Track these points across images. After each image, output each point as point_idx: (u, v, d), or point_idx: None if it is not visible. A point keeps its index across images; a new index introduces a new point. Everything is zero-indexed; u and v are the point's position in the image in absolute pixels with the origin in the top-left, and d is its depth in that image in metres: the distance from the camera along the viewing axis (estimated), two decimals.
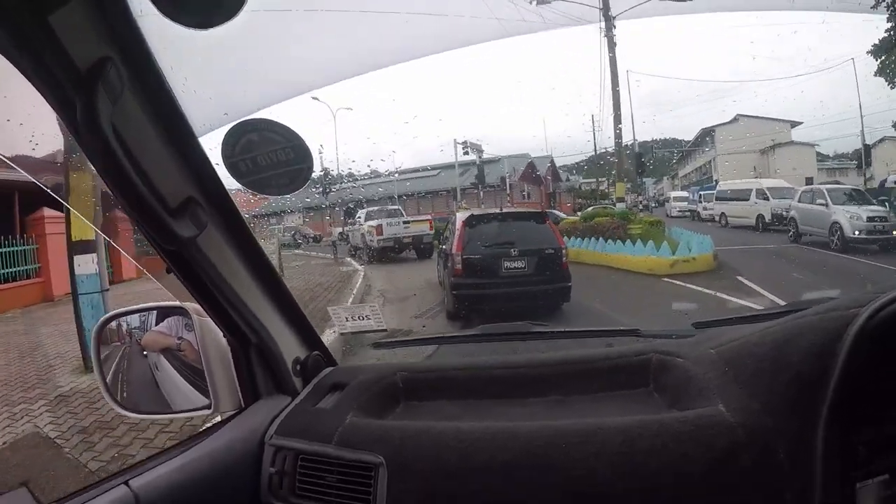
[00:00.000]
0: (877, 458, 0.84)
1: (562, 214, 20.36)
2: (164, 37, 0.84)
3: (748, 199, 17.46)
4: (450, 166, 21.30)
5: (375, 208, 15.88)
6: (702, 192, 21.68)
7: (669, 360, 1.25)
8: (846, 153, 23.83)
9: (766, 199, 16.76)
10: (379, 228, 14.09)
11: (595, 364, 1.35)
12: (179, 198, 1.00)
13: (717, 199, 19.27)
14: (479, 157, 19.74)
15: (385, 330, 1.93)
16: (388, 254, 14.01)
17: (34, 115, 0.90)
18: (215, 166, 1.06)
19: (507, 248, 7.90)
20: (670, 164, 29.52)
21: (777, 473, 0.89)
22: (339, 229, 18.17)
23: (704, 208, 20.65)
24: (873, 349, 0.83)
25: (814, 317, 0.96)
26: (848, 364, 0.82)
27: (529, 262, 7.82)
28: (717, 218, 18.90)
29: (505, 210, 10.31)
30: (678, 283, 9.77)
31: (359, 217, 15.38)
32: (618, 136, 17.72)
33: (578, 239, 14.21)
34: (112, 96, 0.81)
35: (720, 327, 1.47)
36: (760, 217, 16.87)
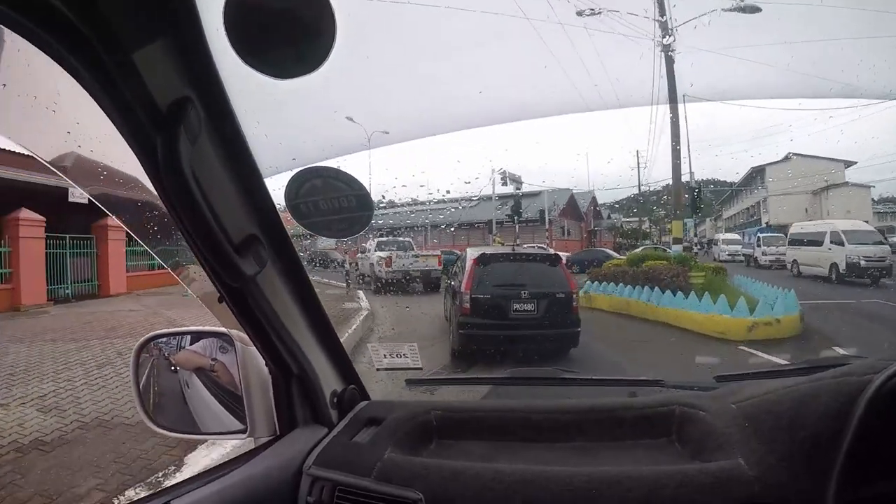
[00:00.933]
0: None
1: (614, 254, 19.77)
2: (241, 80, 0.91)
3: (821, 244, 16.02)
4: (487, 198, 21.31)
5: (386, 239, 16.00)
6: (761, 235, 20.69)
7: (692, 413, 1.35)
8: None
9: (841, 244, 15.34)
10: (388, 260, 14.39)
11: (620, 413, 1.45)
12: (242, 235, 1.10)
13: (790, 243, 17.93)
14: (518, 189, 19.87)
15: (420, 368, 2.02)
16: (394, 286, 14.26)
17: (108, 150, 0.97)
18: (278, 207, 1.16)
19: (518, 289, 7.98)
20: (711, 205, 29.07)
21: None
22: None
23: (764, 253, 19.60)
24: (885, 414, 0.93)
25: (831, 380, 1.08)
26: (861, 427, 0.93)
27: (539, 306, 7.92)
28: (788, 266, 17.61)
29: (518, 250, 10.32)
30: (760, 353, 8.26)
31: (369, 246, 15.53)
32: (675, 163, 16.07)
33: (628, 287, 12.78)
34: (191, 137, 0.89)
35: (741, 381, 1.58)
36: (834, 266, 15.33)
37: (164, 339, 1.64)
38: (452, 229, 23.43)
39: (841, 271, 15.01)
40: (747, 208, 26.96)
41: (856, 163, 21.99)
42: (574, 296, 8.21)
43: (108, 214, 1.15)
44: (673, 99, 14.54)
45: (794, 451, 1.04)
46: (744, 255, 21.52)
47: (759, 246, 20.37)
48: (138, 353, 1.59)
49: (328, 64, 0.81)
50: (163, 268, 1.24)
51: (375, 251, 15.03)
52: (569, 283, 8.43)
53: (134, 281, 17.84)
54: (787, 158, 22.89)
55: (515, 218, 20.08)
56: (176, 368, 1.64)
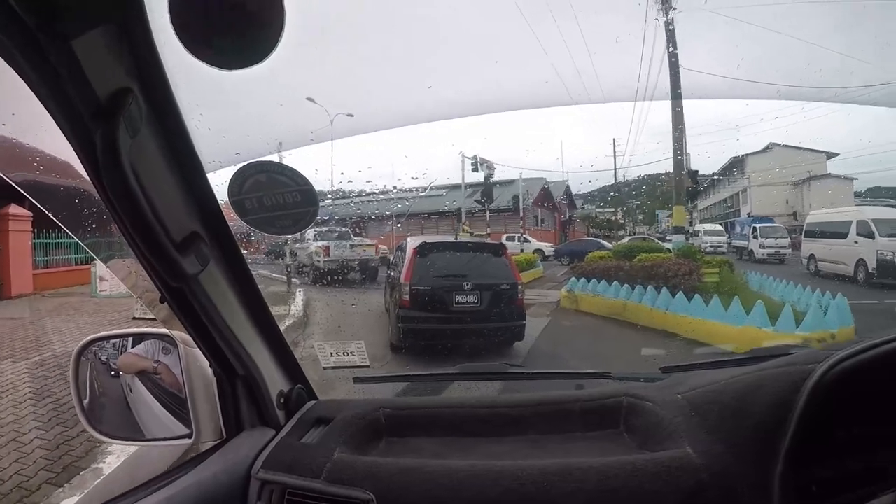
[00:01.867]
0: (827, 495, 1.03)
1: (608, 245, 19.07)
2: (185, 71, 0.91)
3: (846, 236, 13.77)
4: (457, 186, 21.08)
5: (325, 229, 15.90)
6: (757, 225, 19.65)
7: (639, 404, 1.43)
8: (888, 187, 23.60)
9: (871, 236, 13.07)
10: (326, 249, 14.56)
11: (569, 405, 1.53)
12: (184, 233, 1.10)
13: (806, 235, 16.01)
14: (489, 174, 19.49)
15: (368, 366, 2.06)
16: (332, 275, 14.31)
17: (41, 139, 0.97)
18: (221, 203, 1.18)
19: (461, 280, 8.01)
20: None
21: None
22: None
23: (762, 245, 18.57)
24: (827, 401, 1.01)
25: (775, 369, 1.17)
26: (804, 414, 1.01)
27: (483, 298, 7.94)
28: (804, 261, 15.58)
29: (461, 240, 10.42)
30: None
31: (307, 236, 15.44)
32: (677, 139, 14.73)
33: (624, 287, 10.95)
34: (132, 130, 0.89)
35: (686, 372, 1.69)
36: (861, 264, 13.01)
37: (104, 343, 1.64)
38: (422, 219, 23.22)
39: (870, 270, 12.75)
40: (725, 199, 27.46)
41: (838, 154, 22.53)
42: (520, 287, 8.31)
43: (8, 203, 1.13)
44: (675, 81, 13.92)
45: (741, 439, 1.12)
46: (735, 247, 20.80)
47: (755, 238, 19.16)
48: (78, 358, 1.59)
49: (277, 54, 0.82)
50: (82, 263, 1.23)
51: (314, 241, 15.10)
52: (514, 274, 8.52)
53: (43, 279, 15.99)
54: (768, 149, 23.29)
55: (487, 205, 19.78)
56: (117, 373, 1.64)
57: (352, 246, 15.16)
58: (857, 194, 22.36)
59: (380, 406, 1.58)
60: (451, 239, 10.58)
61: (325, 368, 2.05)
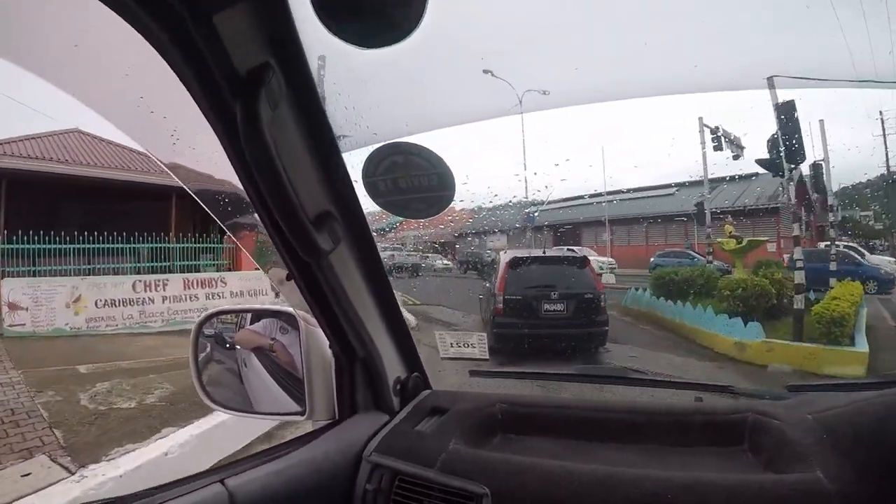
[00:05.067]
0: None
1: None
2: (325, 49, 0.92)
3: None
4: (694, 184, 15.37)
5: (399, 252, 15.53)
6: None
7: (766, 422, 1.32)
8: None
9: None
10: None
11: (691, 417, 1.43)
12: (318, 210, 1.11)
13: None
14: (737, 154, 12.89)
15: (487, 359, 2.02)
16: None
17: (180, 115, 0.99)
18: (354, 184, 1.17)
19: (548, 290, 8.59)
20: None
21: None
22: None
23: None
24: None
25: None
26: None
27: (568, 305, 8.52)
28: None
29: (547, 254, 10.84)
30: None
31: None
32: None
33: None
34: (272, 104, 0.90)
35: (815, 392, 1.54)
36: None
37: (225, 316, 1.69)
38: (646, 224, 17.84)
39: None
40: None
41: None
42: (602, 296, 8.78)
43: None
44: None
45: (876, 466, 1.02)
46: None
47: None
48: (199, 329, 1.65)
49: (417, 37, 0.79)
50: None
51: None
52: (596, 284, 9.06)
53: None
54: None
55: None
56: (234, 347, 1.69)
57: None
58: None
59: (497, 401, 1.54)
60: (539, 253, 10.97)
61: (443, 358, 2.03)
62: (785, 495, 1.04)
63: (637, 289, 12.04)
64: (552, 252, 12.06)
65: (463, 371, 2.00)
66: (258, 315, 1.73)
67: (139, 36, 0.81)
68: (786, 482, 1.08)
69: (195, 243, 15.33)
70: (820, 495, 1.02)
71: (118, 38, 0.82)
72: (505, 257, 9.27)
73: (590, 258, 10.59)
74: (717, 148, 12.59)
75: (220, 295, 14.01)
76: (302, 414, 1.48)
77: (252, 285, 14.46)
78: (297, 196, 1.02)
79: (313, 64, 0.96)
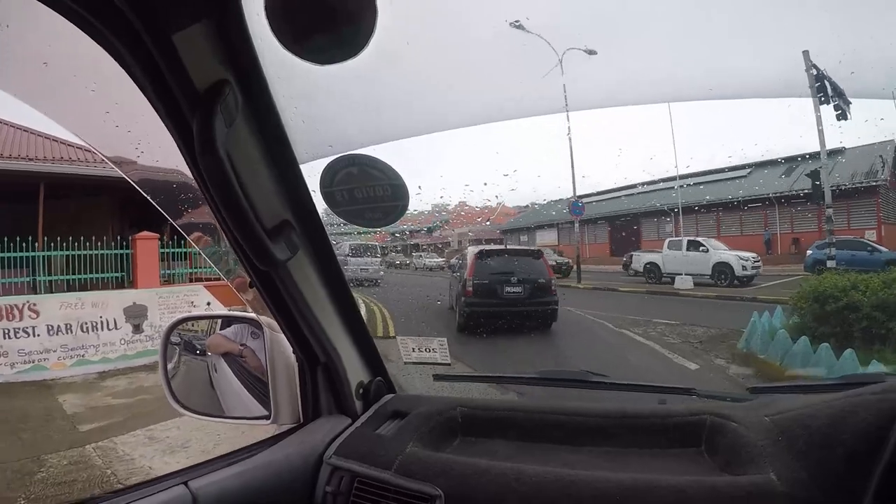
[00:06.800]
0: None
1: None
2: (280, 65, 0.93)
3: None
4: (769, 163, 13.32)
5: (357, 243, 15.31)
6: None
7: (724, 424, 1.33)
8: None
9: None
10: None
11: (650, 420, 1.45)
12: (275, 220, 1.13)
13: None
14: (842, 111, 8.93)
15: (449, 364, 2.05)
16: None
17: (144, 128, 1.00)
18: (312, 193, 1.19)
19: (508, 276, 10.42)
20: None
21: None
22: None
23: None
24: None
25: (870, 396, 1.07)
26: None
27: (525, 288, 10.33)
28: None
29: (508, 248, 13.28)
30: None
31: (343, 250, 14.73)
32: None
33: None
34: (228, 119, 0.92)
35: (775, 394, 1.56)
36: None
37: (194, 322, 1.71)
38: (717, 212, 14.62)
39: None
40: None
41: None
42: (552, 280, 10.67)
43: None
44: None
45: (829, 469, 1.03)
46: None
47: None
48: (168, 335, 1.65)
49: (367, 54, 0.83)
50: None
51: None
52: (548, 272, 10.85)
53: None
54: None
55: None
56: (204, 352, 1.70)
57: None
58: None
59: (457, 404, 1.56)
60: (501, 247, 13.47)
61: (405, 363, 2.06)
62: (736, 497, 1.06)
63: (761, 315, 7.68)
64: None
65: (430, 375, 2.02)
66: (227, 321, 1.74)
67: (105, 53, 0.84)
68: (739, 484, 1.10)
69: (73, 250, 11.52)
70: (771, 497, 1.04)
71: (86, 56, 0.85)
72: (473, 250, 11.39)
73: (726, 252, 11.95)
74: (823, 100, 8.70)
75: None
76: (268, 418, 1.49)
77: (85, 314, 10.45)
78: (253, 207, 1.04)
79: (271, 79, 0.98)
